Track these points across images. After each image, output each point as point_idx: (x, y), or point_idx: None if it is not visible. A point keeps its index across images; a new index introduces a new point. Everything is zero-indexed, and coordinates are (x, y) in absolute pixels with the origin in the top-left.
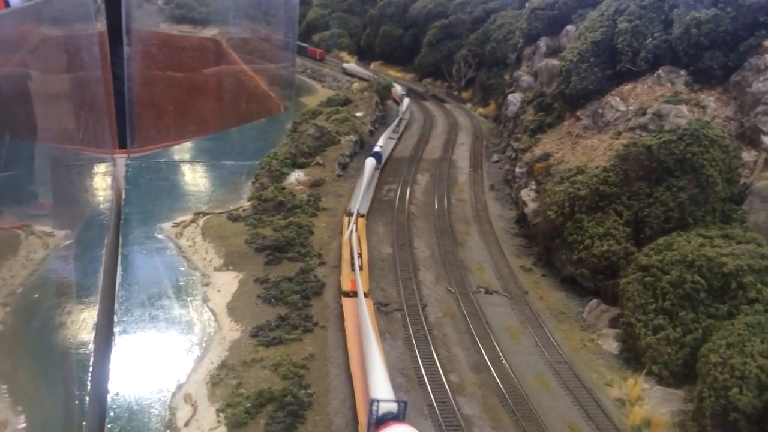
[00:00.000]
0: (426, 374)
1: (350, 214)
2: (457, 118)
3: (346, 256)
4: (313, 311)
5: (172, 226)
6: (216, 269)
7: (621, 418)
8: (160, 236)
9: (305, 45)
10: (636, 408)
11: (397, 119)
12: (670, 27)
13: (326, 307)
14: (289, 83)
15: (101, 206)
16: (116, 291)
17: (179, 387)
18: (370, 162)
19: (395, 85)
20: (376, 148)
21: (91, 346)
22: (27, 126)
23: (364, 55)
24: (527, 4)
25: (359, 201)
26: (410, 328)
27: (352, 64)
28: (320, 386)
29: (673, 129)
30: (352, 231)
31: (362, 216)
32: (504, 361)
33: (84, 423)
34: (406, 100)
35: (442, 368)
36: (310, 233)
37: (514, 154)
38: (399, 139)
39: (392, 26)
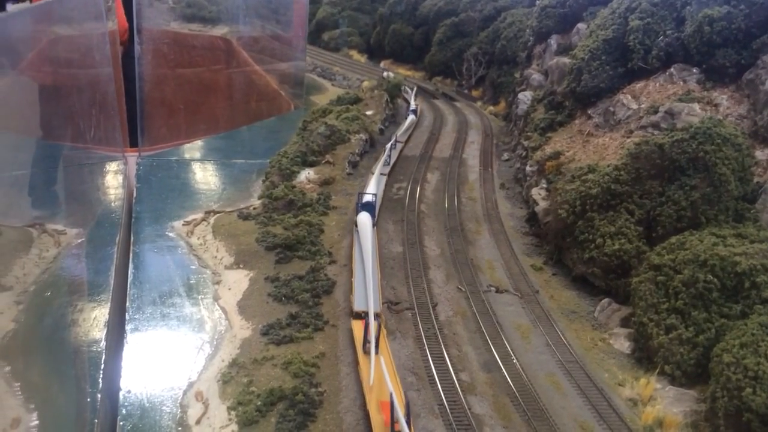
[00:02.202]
0: (436, 373)
1: (361, 316)
2: (467, 117)
3: (375, 417)
4: (323, 310)
5: (183, 225)
6: (227, 267)
7: (633, 418)
8: (171, 234)
9: None
10: (648, 408)
11: (390, 145)
12: (683, 25)
13: (337, 306)
14: (299, 82)
15: (113, 204)
16: (128, 289)
17: (190, 385)
18: (364, 221)
19: (408, 91)
20: (368, 197)
21: (103, 343)
22: (39, 125)
23: (374, 54)
24: (538, 2)
25: (371, 293)
26: (421, 326)
27: (390, 73)
28: (331, 384)
29: (686, 127)
30: (378, 362)
31: (378, 315)
32: (515, 360)
33: (96, 420)
34: (411, 118)
35: (452, 367)
36: (321, 232)
37: (524, 153)
38: (390, 174)
39: (402, 24)
